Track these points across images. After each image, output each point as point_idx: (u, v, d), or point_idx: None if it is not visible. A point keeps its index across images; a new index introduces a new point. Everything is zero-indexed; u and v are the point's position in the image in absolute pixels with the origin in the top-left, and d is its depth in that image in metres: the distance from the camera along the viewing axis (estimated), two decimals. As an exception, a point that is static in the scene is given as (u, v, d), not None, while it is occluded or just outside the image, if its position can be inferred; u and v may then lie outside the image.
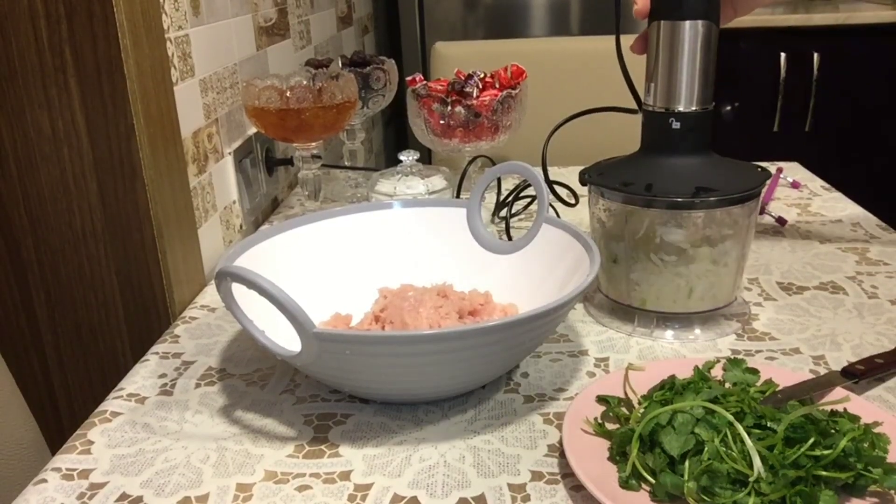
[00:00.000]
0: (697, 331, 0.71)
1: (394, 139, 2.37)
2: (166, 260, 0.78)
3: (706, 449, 0.48)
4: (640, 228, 0.69)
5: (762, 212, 1.01)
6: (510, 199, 0.97)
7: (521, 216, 1.03)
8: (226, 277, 0.54)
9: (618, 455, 0.51)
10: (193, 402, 0.63)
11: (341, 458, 0.56)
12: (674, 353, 0.68)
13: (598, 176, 0.72)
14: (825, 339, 0.70)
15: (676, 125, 0.68)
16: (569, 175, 1.17)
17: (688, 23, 0.66)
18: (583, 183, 0.73)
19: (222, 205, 0.96)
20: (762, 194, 0.71)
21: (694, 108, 0.68)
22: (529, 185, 0.99)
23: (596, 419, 0.55)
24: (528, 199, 1.03)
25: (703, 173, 0.68)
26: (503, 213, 0.96)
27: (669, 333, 0.71)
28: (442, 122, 1.03)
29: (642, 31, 0.72)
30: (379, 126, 2.16)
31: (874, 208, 1.03)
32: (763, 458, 0.47)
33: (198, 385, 0.66)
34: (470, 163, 1.05)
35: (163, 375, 0.68)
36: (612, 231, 0.71)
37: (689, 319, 0.71)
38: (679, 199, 0.66)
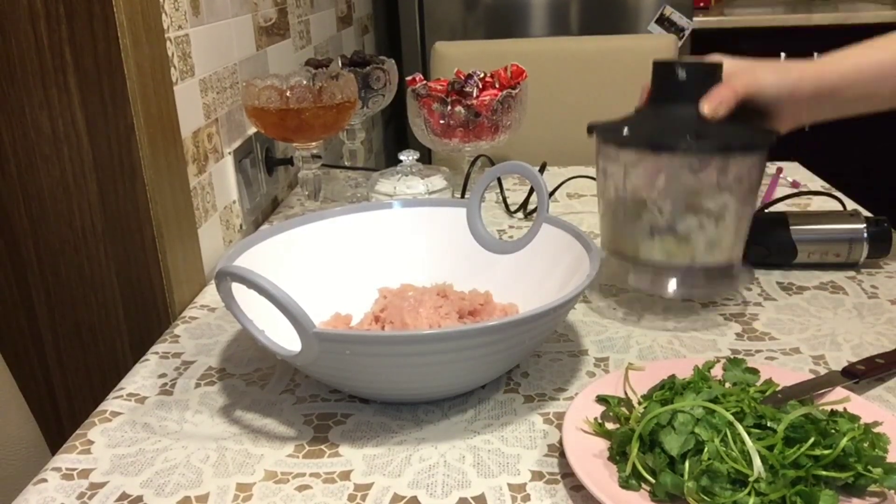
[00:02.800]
0: (695, 331, 0.71)
1: (394, 139, 2.37)
2: (166, 260, 0.78)
3: (706, 449, 0.48)
4: (638, 178, 0.69)
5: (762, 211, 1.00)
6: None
7: (520, 215, 1.03)
8: (226, 277, 0.54)
9: (618, 455, 0.51)
10: (193, 402, 0.63)
11: (341, 458, 0.56)
12: (673, 352, 0.68)
13: (603, 128, 0.72)
14: (825, 339, 0.70)
15: (683, 75, 0.68)
16: (568, 174, 1.16)
17: None
18: (589, 133, 0.73)
19: (222, 205, 0.96)
20: (766, 155, 0.70)
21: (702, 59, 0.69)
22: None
23: (596, 419, 0.55)
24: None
25: (708, 123, 0.68)
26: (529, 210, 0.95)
27: (671, 286, 0.71)
28: (442, 122, 1.03)
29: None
30: (379, 126, 2.16)
31: (874, 208, 1.03)
32: (763, 458, 0.47)
33: (198, 385, 0.66)
34: (472, 163, 1.05)
35: (163, 375, 0.68)
36: (613, 182, 0.71)
37: (690, 272, 0.71)
38: (678, 146, 0.66)
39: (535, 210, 1.04)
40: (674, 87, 0.69)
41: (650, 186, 0.68)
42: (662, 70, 0.70)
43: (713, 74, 0.69)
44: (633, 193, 0.70)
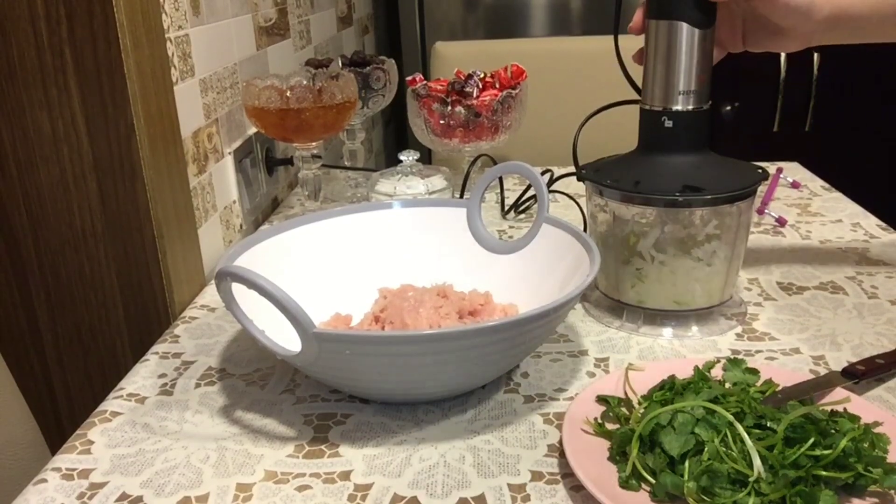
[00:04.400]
0: (694, 328, 0.71)
1: (394, 139, 2.37)
2: (166, 260, 0.78)
3: (706, 449, 0.48)
4: (627, 225, 0.69)
5: (762, 212, 1.01)
6: (523, 198, 0.97)
7: (522, 216, 1.03)
8: (226, 277, 0.54)
9: (618, 455, 0.51)
10: (193, 402, 0.63)
11: (341, 458, 0.56)
12: (673, 352, 0.68)
13: (594, 172, 0.72)
14: (825, 339, 0.70)
15: (669, 123, 0.69)
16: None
17: (684, 25, 0.66)
18: (579, 179, 0.74)
19: (222, 205, 0.96)
20: (755, 196, 0.71)
21: (688, 107, 0.68)
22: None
23: (596, 419, 0.55)
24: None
25: (693, 172, 0.68)
26: (520, 208, 0.96)
27: (667, 331, 0.71)
28: (442, 122, 1.03)
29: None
30: (379, 126, 2.16)
31: (874, 208, 1.03)
32: (763, 458, 0.47)
33: (198, 385, 0.66)
34: (472, 163, 1.05)
35: (163, 375, 0.68)
36: (603, 227, 0.72)
37: (685, 317, 0.72)
38: (663, 197, 0.67)
39: (527, 208, 1.04)
40: (661, 134, 0.69)
41: (639, 235, 0.69)
42: (650, 118, 0.70)
43: (701, 121, 0.69)
44: (622, 240, 0.70)
